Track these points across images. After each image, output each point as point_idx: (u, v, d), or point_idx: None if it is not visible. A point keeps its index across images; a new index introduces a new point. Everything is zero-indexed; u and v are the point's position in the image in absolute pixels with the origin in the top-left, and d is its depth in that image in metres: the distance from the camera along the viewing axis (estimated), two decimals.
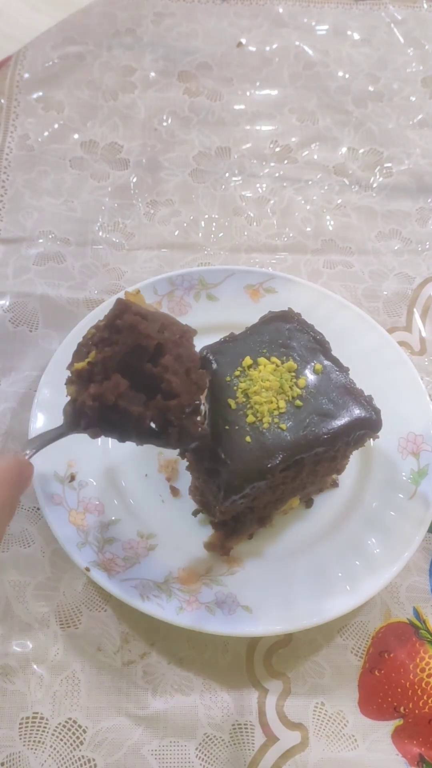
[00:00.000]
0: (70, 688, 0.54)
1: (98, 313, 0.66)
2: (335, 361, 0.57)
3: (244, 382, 0.54)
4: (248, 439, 0.51)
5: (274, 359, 0.55)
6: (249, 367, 0.55)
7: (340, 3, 1.03)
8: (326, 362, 0.56)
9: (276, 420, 0.52)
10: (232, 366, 0.55)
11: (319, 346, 0.57)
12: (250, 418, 0.52)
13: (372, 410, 0.54)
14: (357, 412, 0.53)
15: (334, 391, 0.54)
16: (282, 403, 0.53)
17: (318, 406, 0.53)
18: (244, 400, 0.53)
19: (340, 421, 0.53)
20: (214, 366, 0.55)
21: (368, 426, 0.54)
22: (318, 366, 0.55)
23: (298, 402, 0.53)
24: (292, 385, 0.54)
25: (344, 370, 0.56)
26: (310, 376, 0.55)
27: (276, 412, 0.52)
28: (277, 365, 0.55)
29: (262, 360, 0.55)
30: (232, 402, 0.53)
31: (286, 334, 0.57)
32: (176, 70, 0.94)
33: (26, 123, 0.87)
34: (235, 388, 0.54)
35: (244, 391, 0.53)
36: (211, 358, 0.56)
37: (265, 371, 0.54)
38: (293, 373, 0.54)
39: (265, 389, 0.53)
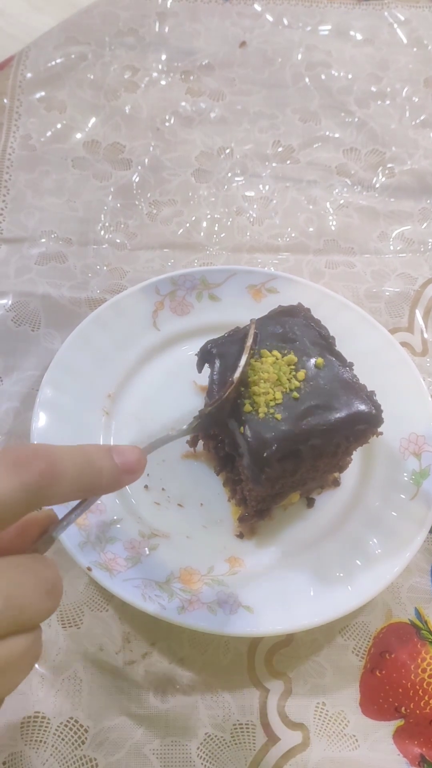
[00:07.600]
0: (71, 688, 0.54)
1: (100, 313, 0.67)
2: (338, 356, 0.57)
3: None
4: (241, 430, 0.52)
5: (275, 352, 0.56)
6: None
7: (342, 3, 1.03)
8: (329, 357, 0.56)
9: (272, 410, 0.53)
10: (235, 357, 0.56)
11: (323, 341, 0.57)
12: (247, 408, 0.53)
13: (372, 405, 0.54)
14: (356, 406, 0.53)
15: (335, 385, 0.54)
16: (278, 395, 0.53)
17: (316, 398, 0.53)
18: (243, 390, 0.54)
19: (338, 414, 0.53)
20: (217, 360, 0.56)
21: (368, 421, 0.54)
22: (319, 360, 0.55)
23: (295, 394, 0.53)
24: (291, 378, 0.54)
25: (347, 365, 0.56)
26: (310, 370, 0.55)
27: (272, 403, 0.53)
28: (277, 358, 0.55)
29: (264, 352, 0.55)
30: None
31: (291, 328, 0.58)
32: (179, 69, 0.94)
33: (28, 123, 0.87)
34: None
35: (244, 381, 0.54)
36: (214, 351, 0.57)
37: (266, 363, 0.55)
38: (292, 366, 0.55)
39: (263, 380, 0.53)
